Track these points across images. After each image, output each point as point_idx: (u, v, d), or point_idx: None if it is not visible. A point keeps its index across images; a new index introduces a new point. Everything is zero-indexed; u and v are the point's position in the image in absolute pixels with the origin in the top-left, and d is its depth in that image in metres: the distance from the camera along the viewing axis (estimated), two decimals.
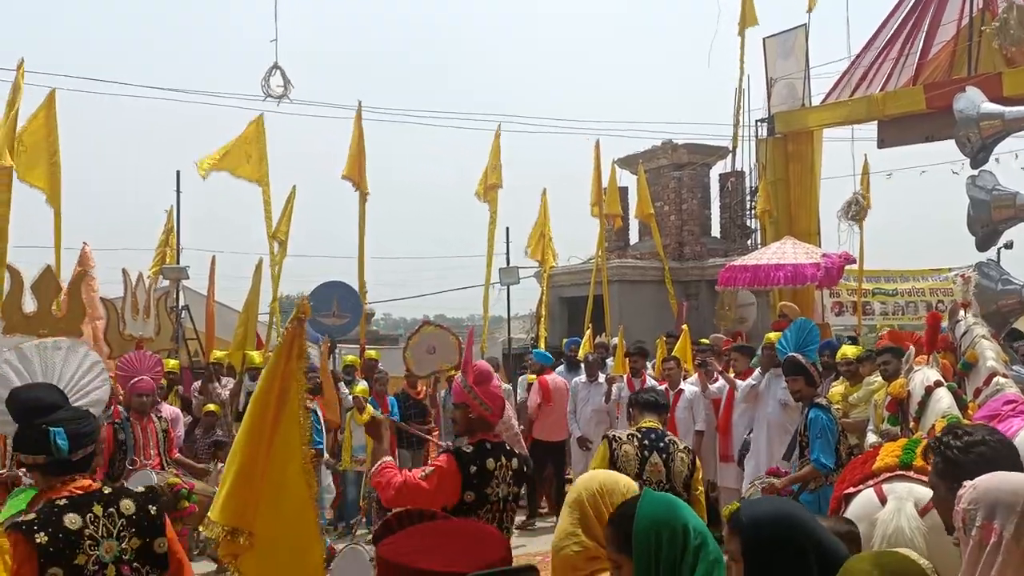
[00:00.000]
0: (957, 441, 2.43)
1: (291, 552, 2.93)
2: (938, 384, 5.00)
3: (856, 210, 12.29)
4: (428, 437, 8.74)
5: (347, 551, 4.60)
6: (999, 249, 11.98)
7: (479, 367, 3.85)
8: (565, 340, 11.16)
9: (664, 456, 4.07)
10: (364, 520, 9.05)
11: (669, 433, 4.35)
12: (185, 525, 6.52)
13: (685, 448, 4.27)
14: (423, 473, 3.51)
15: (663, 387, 8.67)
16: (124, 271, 10.22)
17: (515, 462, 3.66)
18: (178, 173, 12.25)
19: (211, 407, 8.68)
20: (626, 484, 2.29)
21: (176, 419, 7.92)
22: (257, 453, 2.97)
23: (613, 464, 3.95)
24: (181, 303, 10.92)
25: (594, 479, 2.31)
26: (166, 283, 11.48)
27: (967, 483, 1.96)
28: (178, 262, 12.09)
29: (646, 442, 4.10)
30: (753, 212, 16.26)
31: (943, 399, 4.79)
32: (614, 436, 4.15)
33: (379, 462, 3.64)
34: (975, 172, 7.32)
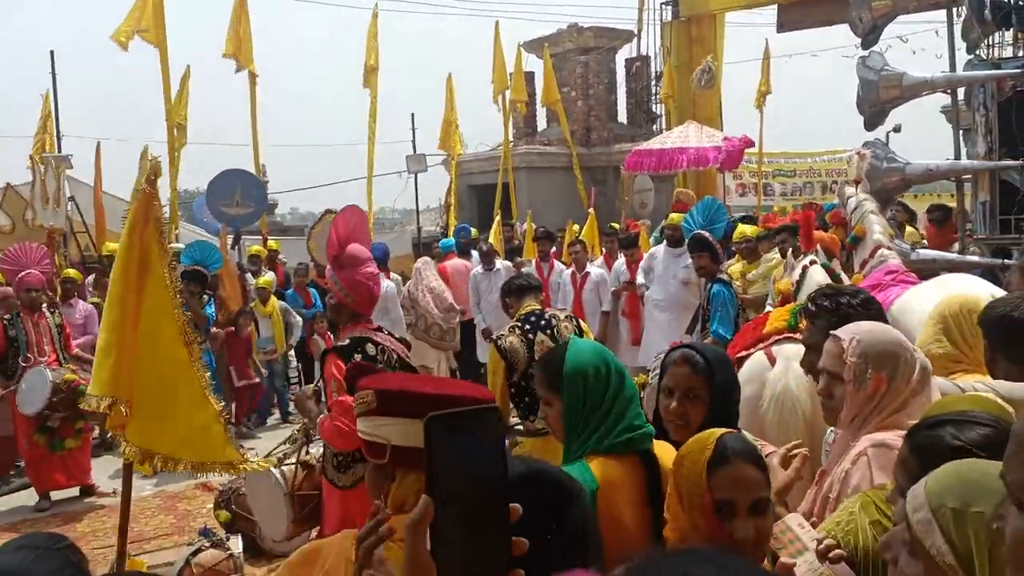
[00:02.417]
0: (825, 300, 2.63)
1: (179, 415, 2.95)
2: (812, 263, 5.29)
3: (707, 78, 12.55)
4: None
5: (251, 475, 4.48)
6: (888, 132, 12.49)
7: (348, 251, 3.51)
8: (455, 227, 11.08)
9: (549, 332, 4.17)
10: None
11: (547, 309, 4.45)
12: (87, 421, 6.38)
13: (567, 317, 4.38)
14: (333, 394, 3.32)
15: (570, 271, 8.87)
16: (32, 158, 9.60)
17: (393, 355, 3.55)
18: (52, 54, 11.32)
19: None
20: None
21: (91, 316, 7.61)
22: (124, 323, 2.94)
23: (506, 359, 4.04)
24: (67, 194, 10.29)
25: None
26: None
27: (844, 337, 2.09)
28: (59, 150, 11.31)
29: (527, 327, 4.17)
30: (658, 97, 16.32)
31: (816, 274, 5.07)
32: (497, 336, 4.22)
33: (316, 425, 3.41)
34: (865, 53, 7.49)
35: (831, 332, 2.17)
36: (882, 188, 6.82)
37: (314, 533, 3.82)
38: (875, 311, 2.63)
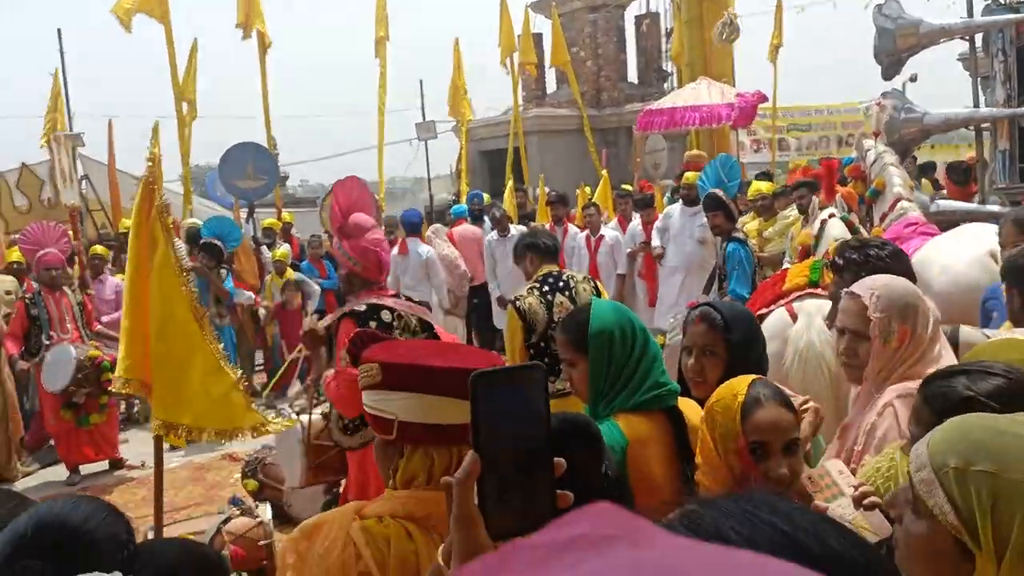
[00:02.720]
0: (853, 253, 2.61)
1: (198, 387, 3.06)
2: (831, 216, 5.25)
3: (729, 31, 12.30)
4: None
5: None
6: (904, 82, 12.27)
7: (352, 220, 3.53)
8: (467, 193, 11.05)
9: (567, 293, 4.15)
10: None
11: (564, 271, 4.43)
12: (111, 396, 6.46)
13: (584, 278, 4.37)
14: (343, 360, 3.24)
15: (584, 234, 8.84)
16: (49, 138, 9.65)
17: (412, 320, 3.55)
18: (59, 32, 11.29)
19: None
20: None
21: (121, 291, 7.65)
22: (136, 307, 3.08)
23: (525, 321, 4.02)
24: (80, 172, 10.33)
25: None
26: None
27: (863, 293, 2.08)
28: (70, 129, 11.33)
29: (545, 288, 4.15)
30: (669, 55, 16.09)
31: (834, 227, 5.03)
32: (515, 297, 4.17)
33: (323, 377, 3.40)
34: (881, 1, 7.34)
35: (847, 290, 2.17)
36: (900, 139, 6.74)
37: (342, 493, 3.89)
38: (904, 263, 2.60)
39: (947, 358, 2.03)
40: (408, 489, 1.40)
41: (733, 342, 2.13)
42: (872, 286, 2.09)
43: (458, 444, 1.38)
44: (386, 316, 3.46)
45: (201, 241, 7.88)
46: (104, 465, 6.74)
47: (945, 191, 8.95)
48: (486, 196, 10.96)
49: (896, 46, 7.08)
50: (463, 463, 0.84)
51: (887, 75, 7.44)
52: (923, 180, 8.79)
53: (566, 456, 0.86)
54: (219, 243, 7.91)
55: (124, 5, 9.63)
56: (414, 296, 8.48)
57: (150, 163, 3.28)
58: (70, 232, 8.04)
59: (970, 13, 7.47)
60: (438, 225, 9.43)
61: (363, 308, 3.46)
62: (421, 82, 13.67)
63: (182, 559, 1.62)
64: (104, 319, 7.25)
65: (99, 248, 8.35)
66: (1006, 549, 1.02)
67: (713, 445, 1.68)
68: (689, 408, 2.02)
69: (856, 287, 2.13)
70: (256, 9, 10.57)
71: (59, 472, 6.70)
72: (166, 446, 4.69)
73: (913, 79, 13.79)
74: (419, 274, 8.52)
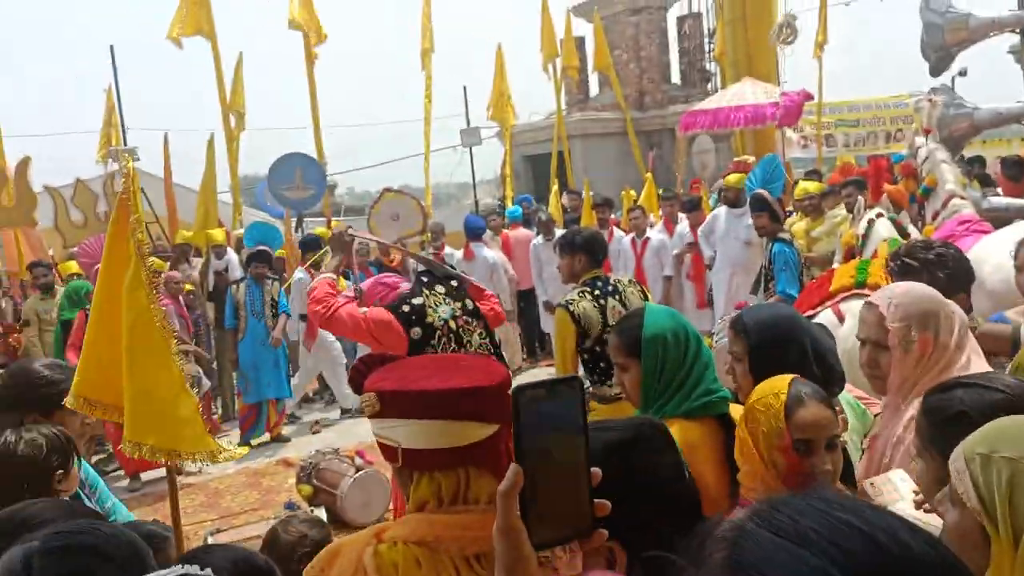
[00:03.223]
0: (922, 253, 2.53)
1: (166, 405, 3.11)
2: (879, 216, 5.17)
3: (787, 32, 12.10)
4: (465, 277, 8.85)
5: (362, 476, 5.10)
6: (953, 77, 11.97)
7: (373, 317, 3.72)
8: (515, 198, 11.10)
9: (618, 297, 4.13)
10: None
11: (610, 275, 4.40)
12: None
13: (630, 281, 4.34)
14: (362, 310, 3.60)
15: (630, 237, 8.83)
16: (106, 152, 10.01)
17: (448, 286, 3.80)
18: (112, 48, 11.65)
19: (188, 286, 8.65)
20: None
21: (169, 307, 7.97)
22: (109, 324, 3.13)
23: (578, 324, 3.98)
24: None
25: None
26: (115, 165, 11.17)
27: (880, 303, 2.03)
28: (125, 143, 11.70)
29: (596, 292, 4.11)
30: (712, 55, 15.97)
31: (881, 227, 4.96)
32: (567, 301, 4.09)
33: (321, 276, 3.72)
34: None
35: (866, 300, 2.11)
36: (950, 135, 6.61)
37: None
38: (963, 265, 2.54)
39: (976, 365, 1.95)
40: (421, 513, 1.39)
41: (751, 346, 2.12)
42: (890, 295, 2.04)
43: (464, 465, 1.36)
44: (418, 300, 3.67)
45: (252, 249, 8.06)
46: (162, 472, 6.93)
47: (999, 188, 8.74)
48: (551, 200, 11.01)
49: (945, 41, 6.95)
50: (507, 475, 0.86)
51: (936, 70, 7.31)
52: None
53: (650, 458, 0.89)
54: (267, 249, 8.10)
55: (176, 29, 9.95)
56: None
57: (125, 179, 3.26)
58: None
59: (1021, 5, 7.30)
60: (488, 231, 9.54)
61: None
62: (465, 88, 13.79)
63: (232, 566, 1.69)
64: None
65: (156, 261, 8.61)
66: (1022, 534, 1.03)
67: (755, 444, 1.69)
68: (739, 414, 2.02)
69: (874, 296, 2.07)
70: (311, 14, 10.77)
71: (120, 477, 6.93)
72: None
73: (963, 73, 13.46)
74: (485, 278, 8.64)
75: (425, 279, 3.85)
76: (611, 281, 4.23)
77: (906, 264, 2.60)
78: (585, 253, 4.25)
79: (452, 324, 3.72)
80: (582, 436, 0.86)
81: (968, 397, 1.44)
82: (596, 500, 0.87)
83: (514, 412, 0.85)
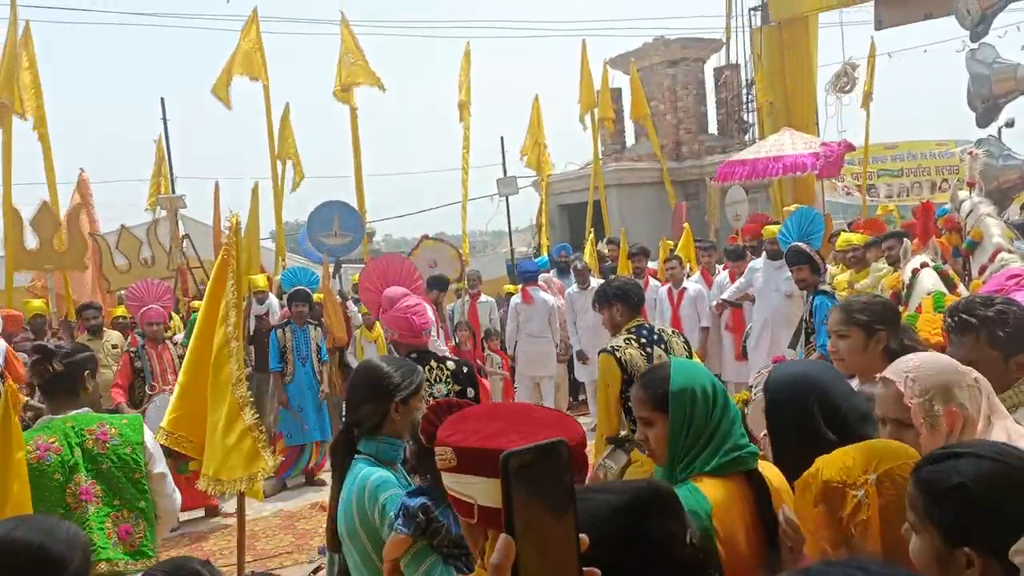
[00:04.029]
0: (981, 309, 2.42)
1: (219, 435, 3.23)
2: (924, 266, 5.06)
3: (845, 81, 12.08)
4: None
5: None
6: (1000, 128, 11.84)
7: (385, 294, 4.13)
8: (552, 246, 11.12)
9: (663, 346, 4.10)
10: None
11: (651, 323, 4.38)
12: None
13: (673, 332, 4.32)
14: None
15: (666, 287, 8.77)
16: (156, 200, 10.30)
17: (450, 364, 3.82)
18: (163, 100, 12.04)
19: None
20: None
21: None
22: (201, 365, 3.27)
23: (625, 372, 3.92)
24: (181, 232, 10.90)
25: None
26: (163, 213, 11.45)
27: (896, 378, 1.92)
28: (173, 191, 12.01)
29: (642, 340, 4.08)
30: (751, 106, 16.01)
31: (926, 279, 4.85)
32: (614, 347, 4.04)
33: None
34: (975, 46, 7.17)
35: (881, 376, 1.97)
36: (998, 187, 6.50)
37: None
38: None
39: (1018, 434, 1.82)
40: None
41: (768, 403, 2.11)
42: (905, 368, 1.91)
43: None
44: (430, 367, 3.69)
45: (292, 291, 8.15)
46: (200, 512, 6.95)
47: None
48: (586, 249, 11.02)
49: (992, 91, 6.90)
50: (497, 547, 0.83)
51: (983, 121, 7.24)
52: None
53: (652, 526, 0.85)
54: (307, 289, 8.20)
55: (224, 81, 10.28)
56: (540, 343, 8.70)
57: (228, 228, 3.45)
58: (179, 289, 8.51)
59: None
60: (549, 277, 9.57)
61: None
62: (502, 139, 13.93)
63: None
64: None
65: (199, 304, 8.78)
66: None
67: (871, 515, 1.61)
68: (768, 470, 1.96)
69: (888, 371, 1.94)
70: (354, 77, 11.08)
71: None
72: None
73: (1010, 124, 13.29)
74: (544, 320, 8.69)
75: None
76: (656, 330, 4.20)
77: (964, 321, 2.47)
78: (621, 302, 4.23)
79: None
80: (571, 501, 0.83)
81: (964, 467, 1.37)
82: (585, 568, 0.84)
83: (503, 480, 0.82)
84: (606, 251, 10.91)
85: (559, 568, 0.82)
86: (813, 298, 5.63)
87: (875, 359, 2.63)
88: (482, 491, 1.37)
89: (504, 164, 14.19)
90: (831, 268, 7.41)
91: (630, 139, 17.88)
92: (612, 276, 9.52)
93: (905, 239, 6.20)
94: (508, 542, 0.81)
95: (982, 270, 5.42)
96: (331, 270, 10.20)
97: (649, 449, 2.10)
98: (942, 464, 1.41)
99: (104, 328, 7.81)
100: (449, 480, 1.43)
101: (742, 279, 7.95)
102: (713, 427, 1.93)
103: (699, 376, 2.01)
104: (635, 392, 2.16)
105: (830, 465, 1.70)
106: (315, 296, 8.80)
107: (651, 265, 9.68)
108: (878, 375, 1.99)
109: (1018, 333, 2.24)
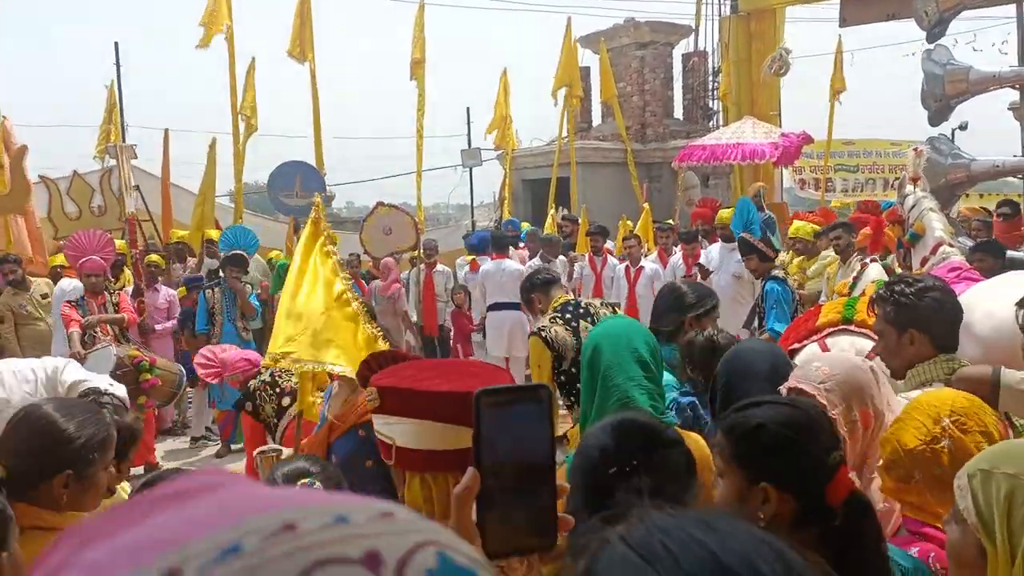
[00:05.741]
0: (909, 288, 2.49)
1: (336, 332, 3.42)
2: (873, 260, 5.24)
3: (779, 65, 12.31)
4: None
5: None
6: (953, 130, 12.14)
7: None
8: (500, 221, 11.07)
9: (590, 319, 4.14)
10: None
11: (580, 298, 4.45)
12: (149, 398, 6.58)
13: (602, 303, 4.38)
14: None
15: (624, 265, 8.85)
16: (105, 148, 10.02)
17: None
18: (116, 45, 11.69)
19: (182, 290, 8.53)
20: None
21: (174, 301, 8.02)
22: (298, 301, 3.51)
23: (553, 349, 3.99)
24: (132, 182, 10.63)
25: None
26: (112, 162, 11.16)
27: (812, 390, 1.90)
28: (124, 140, 11.69)
29: (567, 315, 4.14)
30: (716, 93, 16.13)
31: (872, 271, 5.01)
32: (539, 328, 4.12)
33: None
34: (931, 47, 7.31)
35: (796, 387, 1.97)
36: (946, 184, 6.66)
37: None
38: (954, 299, 2.52)
39: (901, 403, 1.90)
40: None
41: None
42: (815, 377, 1.92)
43: (455, 470, 1.30)
44: None
45: (227, 255, 7.98)
46: (139, 470, 6.84)
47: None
48: (524, 224, 11.04)
49: (945, 92, 7.04)
50: (463, 479, 0.83)
51: (934, 121, 7.40)
52: None
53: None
54: (243, 253, 8.03)
55: (208, 27, 9.99)
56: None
57: (315, 207, 3.73)
58: (125, 241, 8.31)
59: (1022, 62, 7.41)
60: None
61: None
62: (468, 110, 13.85)
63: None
64: (157, 327, 7.51)
65: (155, 257, 8.57)
66: (1018, 550, 1.03)
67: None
68: (694, 443, 1.93)
69: (802, 383, 1.94)
70: (309, 39, 10.82)
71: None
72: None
73: (963, 127, 13.64)
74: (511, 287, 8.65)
75: None
76: (582, 304, 4.26)
77: (878, 295, 2.58)
78: (536, 292, 4.45)
79: None
80: (548, 445, 0.83)
81: (762, 412, 1.49)
82: (560, 515, 0.85)
83: (475, 414, 0.82)
84: (561, 223, 10.92)
85: (531, 510, 0.82)
86: (765, 283, 5.77)
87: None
88: (402, 431, 1.38)
89: (469, 135, 14.10)
90: (783, 256, 7.56)
91: (596, 118, 17.89)
92: (570, 253, 9.60)
93: (850, 230, 6.35)
94: (473, 474, 0.82)
95: (923, 262, 5.56)
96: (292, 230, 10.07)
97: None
98: (744, 411, 1.51)
99: (30, 279, 7.57)
100: (376, 422, 1.44)
101: (699, 261, 8.12)
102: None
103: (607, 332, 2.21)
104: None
105: (901, 436, 1.70)
106: (273, 254, 8.66)
107: (608, 245, 9.73)
108: (784, 385, 1.99)
109: (910, 309, 2.34)
